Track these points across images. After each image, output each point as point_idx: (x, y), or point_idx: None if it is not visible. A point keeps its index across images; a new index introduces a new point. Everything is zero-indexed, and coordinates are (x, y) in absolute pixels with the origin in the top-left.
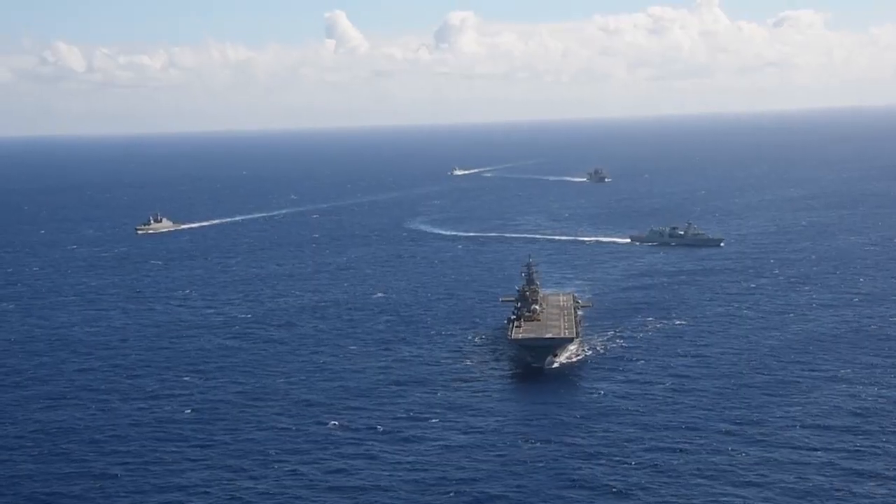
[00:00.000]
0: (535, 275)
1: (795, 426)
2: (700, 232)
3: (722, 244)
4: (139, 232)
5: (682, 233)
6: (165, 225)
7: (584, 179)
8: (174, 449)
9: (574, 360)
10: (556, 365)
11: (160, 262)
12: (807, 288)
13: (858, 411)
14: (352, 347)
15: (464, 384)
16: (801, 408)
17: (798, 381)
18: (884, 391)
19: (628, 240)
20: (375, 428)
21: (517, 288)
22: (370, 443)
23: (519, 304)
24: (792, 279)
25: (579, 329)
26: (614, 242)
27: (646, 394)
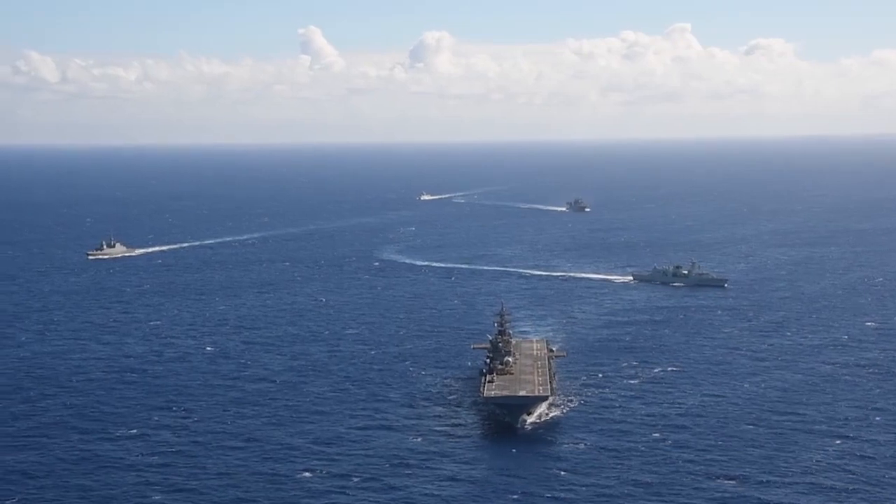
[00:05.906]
0: (507, 325)
1: (782, 480)
2: (704, 272)
3: (726, 285)
4: (90, 257)
5: (686, 272)
6: (119, 250)
7: (564, 209)
8: (136, 493)
9: (550, 415)
10: (528, 425)
11: (109, 295)
12: (789, 332)
13: (845, 466)
14: (323, 388)
15: (438, 434)
16: (785, 461)
17: (785, 433)
18: (875, 445)
19: (630, 278)
20: (349, 477)
21: (489, 336)
22: (343, 494)
23: (491, 356)
24: (775, 322)
25: (554, 384)
26: (615, 280)
27: (627, 448)
